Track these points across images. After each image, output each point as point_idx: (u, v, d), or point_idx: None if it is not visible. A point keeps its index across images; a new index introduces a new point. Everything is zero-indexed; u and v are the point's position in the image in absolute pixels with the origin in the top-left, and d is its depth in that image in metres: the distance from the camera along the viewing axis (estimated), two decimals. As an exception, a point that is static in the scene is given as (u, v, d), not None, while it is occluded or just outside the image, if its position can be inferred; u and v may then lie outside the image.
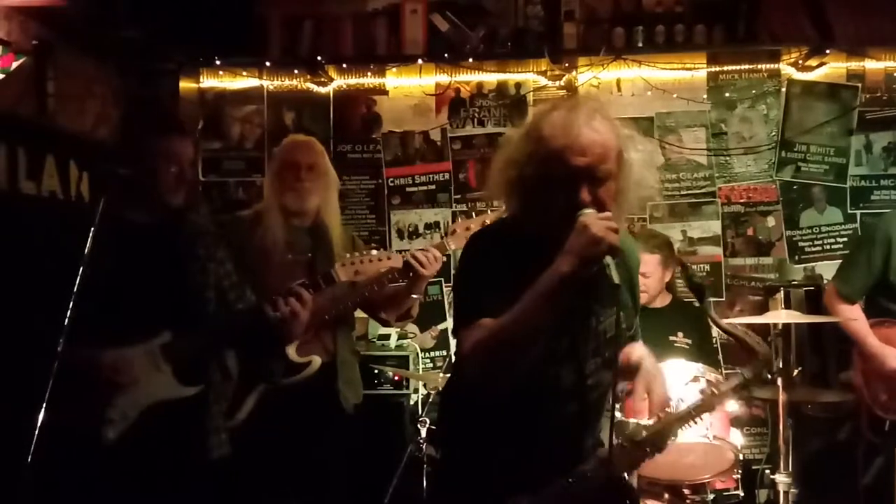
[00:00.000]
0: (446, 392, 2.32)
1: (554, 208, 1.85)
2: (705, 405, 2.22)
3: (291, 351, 3.14)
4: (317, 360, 3.21)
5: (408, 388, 4.52)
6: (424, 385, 4.47)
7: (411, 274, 3.27)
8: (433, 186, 5.08)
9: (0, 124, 3.49)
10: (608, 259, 1.78)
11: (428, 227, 5.07)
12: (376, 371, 4.41)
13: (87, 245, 2.30)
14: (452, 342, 5.03)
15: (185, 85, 4.95)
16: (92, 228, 2.30)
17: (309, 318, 2.73)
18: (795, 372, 3.65)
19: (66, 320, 2.22)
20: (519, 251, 1.92)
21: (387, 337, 4.72)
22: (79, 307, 2.28)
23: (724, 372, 4.05)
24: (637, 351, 2.13)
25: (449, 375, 2.31)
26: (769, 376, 2.13)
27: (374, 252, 3.01)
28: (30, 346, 2.39)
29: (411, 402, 4.52)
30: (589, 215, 1.80)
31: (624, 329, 2.03)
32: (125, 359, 2.50)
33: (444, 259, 3.38)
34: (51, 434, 2.18)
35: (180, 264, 2.64)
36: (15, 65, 3.50)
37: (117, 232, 2.52)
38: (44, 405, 2.15)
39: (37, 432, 2.12)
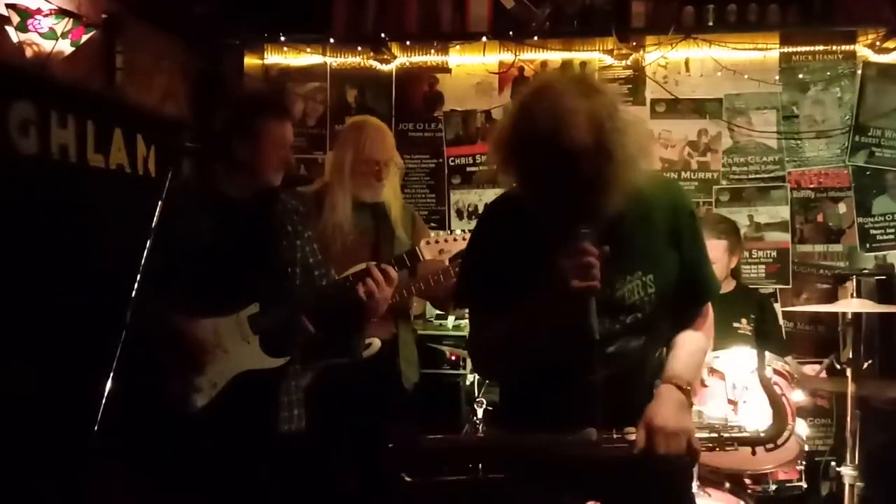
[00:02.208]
0: None
1: (544, 193, 1.80)
2: None
3: (352, 332, 3.17)
4: (377, 343, 3.23)
5: (464, 368, 4.50)
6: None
7: None
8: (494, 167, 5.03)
9: (70, 97, 3.54)
10: (589, 306, 1.75)
11: (488, 207, 5.03)
12: (434, 350, 4.41)
13: (155, 217, 2.34)
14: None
15: (250, 61, 4.97)
16: (160, 201, 2.34)
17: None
18: (865, 365, 3.53)
19: (134, 291, 2.26)
20: (524, 225, 1.90)
21: (444, 317, 4.71)
22: (171, 277, 2.37)
23: (788, 360, 3.96)
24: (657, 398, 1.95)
25: None
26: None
27: (458, 231, 3.04)
28: (98, 316, 2.45)
29: (467, 383, 4.50)
30: (569, 255, 1.74)
31: (653, 293, 1.95)
32: (215, 328, 2.58)
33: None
34: (134, 401, 2.26)
35: (271, 240, 2.73)
36: (85, 38, 3.54)
37: (215, 207, 2.62)
38: (111, 374, 2.19)
39: (104, 400, 2.16)
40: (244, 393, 2.59)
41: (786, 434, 2.01)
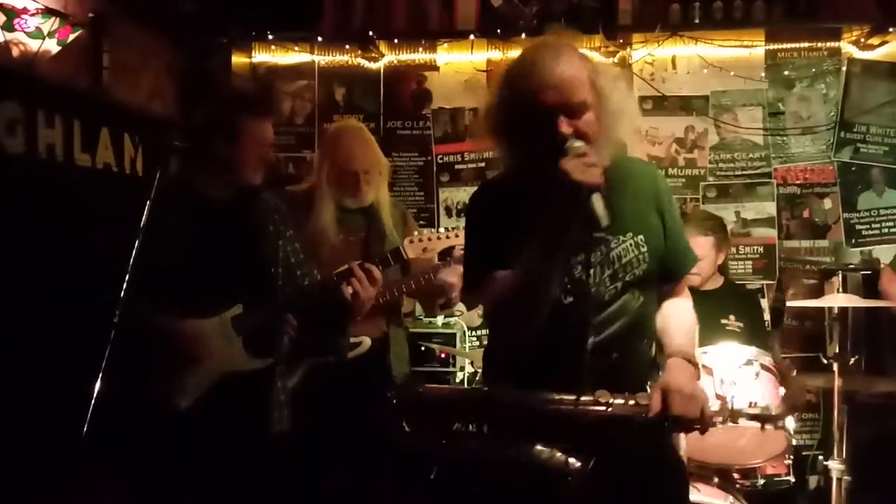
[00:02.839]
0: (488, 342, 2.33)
1: (539, 147, 1.89)
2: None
3: (342, 330, 3.16)
4: (367, 341, 3.22)
5: (454, 365, 4.51)
6: (471, 363, 4.46)
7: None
8: (483, 164, 5.04)
9: (56, 96, 3.53)
10: (594, 198, 1.80)
11: (476, 204, 5.04)
12: (423, 348, 4.42)
13: (143, 217, 2.33)
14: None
15: (238, 59, 4.96)
16: (148, 201, 2.34)
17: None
18: (852, 360, 3.56)
19: (122, 292, 2.25)
20: (516, 199, 1.97)
21: (434, 315, 4.72)
22: (152, 278, 2.35)
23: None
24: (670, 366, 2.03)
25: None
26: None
27: (442, 230, 3.04)
28: (86, 317, 2.44)
29: (457, 380, 4.52)
30: (569, 158, 1.82)
31: (646, 252, 2.04)
32: (199, 330, 2.56)
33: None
34: (119, 403, 2.24)
35: (254, 240, 2.71)
36: (72, 37, 3.53)
37: (196, 207, 2.60)
38: (99, 375, 2.18)
39: (93, 401, 2.15)
40: (229, 394, 2.58)
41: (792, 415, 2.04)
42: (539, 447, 1.91)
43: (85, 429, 2.11)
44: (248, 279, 2.67)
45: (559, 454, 1.90)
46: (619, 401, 1.92)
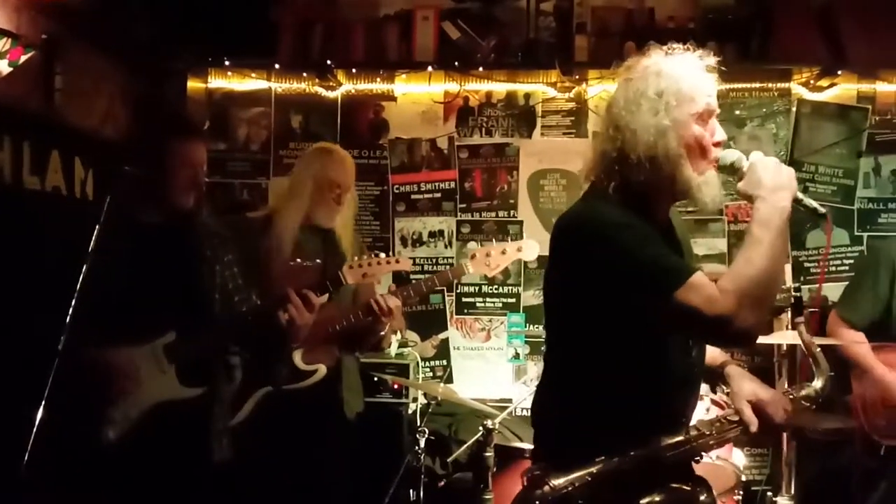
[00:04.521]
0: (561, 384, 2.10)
1: (699, 147, 1.97)
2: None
3: (297, 358, 3.12)
4: (322, 369, 3.18)
5: (407, 397, 4.48)
6: (424, 395, 4.43)
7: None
8: (439, 194, 5.05)
9: (6, 117, 3.46)
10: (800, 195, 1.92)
11: (432, 235, 5.04)
12: (376, 379, 4.38)
13: (92, 242, 2.28)
14: (454, 346, 4.98)
15: (193, 84, 4.93)
16: (97, 226, 2.28)
17: (316, 326, 2.72)
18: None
19: (68, 318, 2.19)
20: (642, 212, 1.97)
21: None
22: (85, 305, 2.27)
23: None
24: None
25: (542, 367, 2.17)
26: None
27: (382, 255, 3.01)
28: (30, 343, 2.37)
29: (409, 412, 4.48)
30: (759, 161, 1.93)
31: None
32: (129, 358, 2.49)
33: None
34: (51, 433, 2.16)
35: (188, 265, 2.64)
36: (24, 59, 3.47)
37: (127, 231, 2.53)
38: (42, 403, 2.12)
39: (34, 430, 2.09)
40: (160, 425, 2.50)
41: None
42: (686, 489, 1.90)
43: (25, 459, 2.05)
44: (180, 305, 2.60)
45: (697, 491, 1.91)
46: (716, 426, 1.94)
